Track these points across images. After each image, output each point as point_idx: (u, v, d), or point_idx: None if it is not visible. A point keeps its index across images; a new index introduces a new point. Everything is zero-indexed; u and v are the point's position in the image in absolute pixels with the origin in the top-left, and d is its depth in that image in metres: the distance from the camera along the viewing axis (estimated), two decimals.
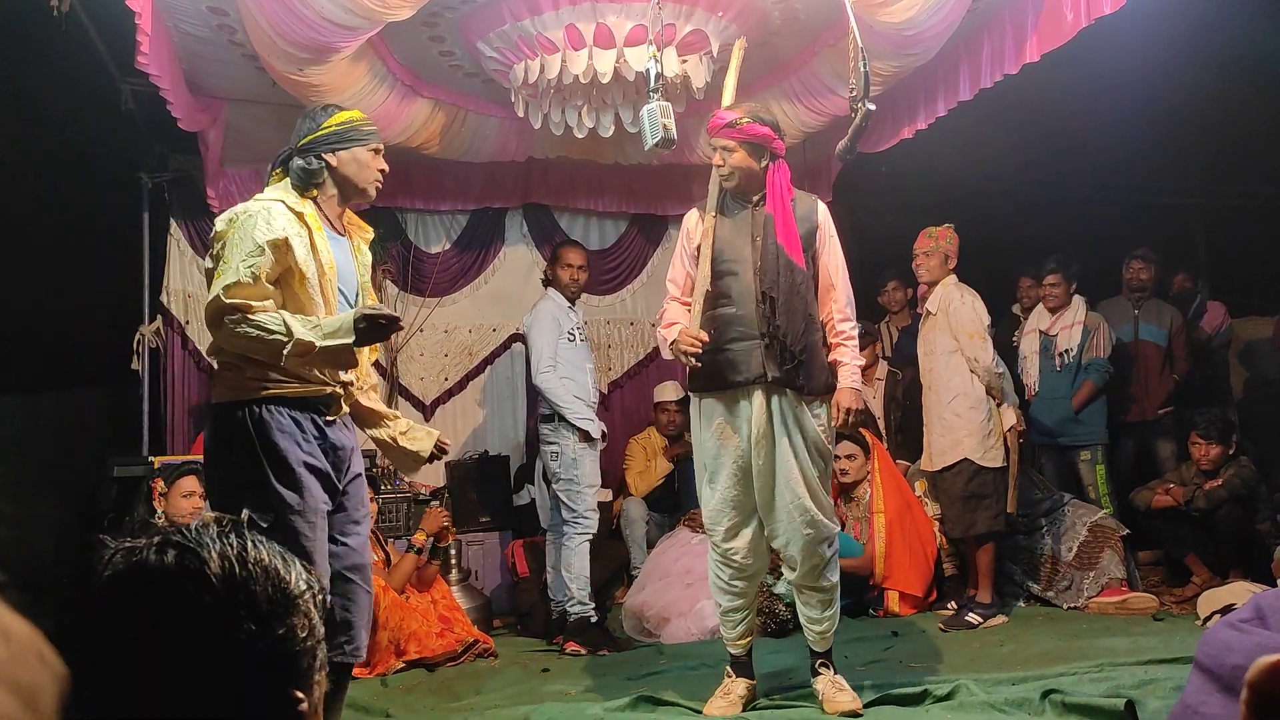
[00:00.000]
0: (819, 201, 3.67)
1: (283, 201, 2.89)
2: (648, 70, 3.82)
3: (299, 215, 2.89)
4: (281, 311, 2.77)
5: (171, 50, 4.42)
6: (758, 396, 3.46)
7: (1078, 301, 5.97)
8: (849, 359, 3.60)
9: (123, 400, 6.17)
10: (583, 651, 4.76)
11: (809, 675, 3.61)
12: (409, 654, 4.50)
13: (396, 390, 6.52)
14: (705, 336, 3.40)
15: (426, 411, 6.61)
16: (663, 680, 4.03)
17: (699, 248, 3.59)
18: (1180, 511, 5.30)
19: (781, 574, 4.97)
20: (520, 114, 4.82)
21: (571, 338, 5.21)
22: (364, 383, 3.13)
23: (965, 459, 4.90)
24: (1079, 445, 5.90)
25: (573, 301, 5.32)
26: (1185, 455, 5.63)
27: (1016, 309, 6.56)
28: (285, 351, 2.70)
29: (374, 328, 2.76)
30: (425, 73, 5.11)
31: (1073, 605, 5.12)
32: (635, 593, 5.35)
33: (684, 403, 6.61)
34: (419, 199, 6.52)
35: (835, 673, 3.57)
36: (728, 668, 3.71)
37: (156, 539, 0.95)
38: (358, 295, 3.07)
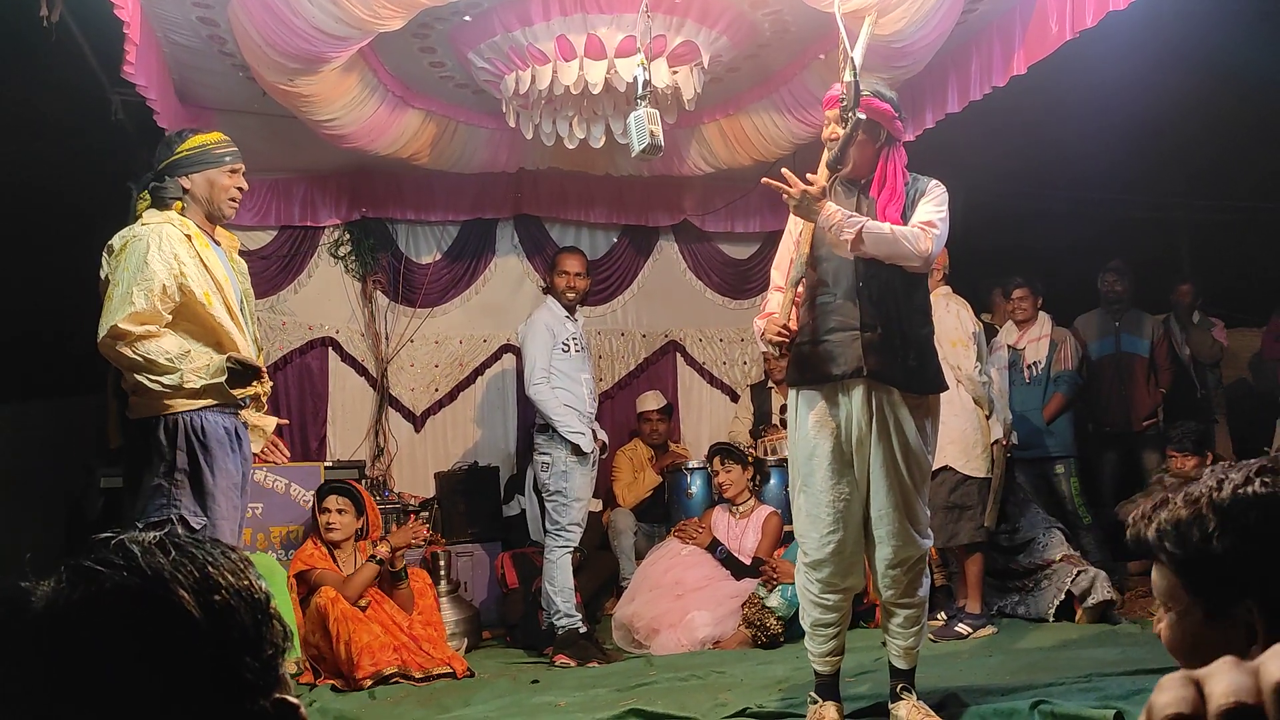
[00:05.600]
0: (933, 180, 3.34)
1: (171, 224, 3.07)
2: (635, 78, 3.81)
3: (188, 237, 3.08)
4: (170, 340, 2.98)
5: (161, 61, 4.42)
6: (858, 393, 3.17)
7: (1043, 316, 6.08)
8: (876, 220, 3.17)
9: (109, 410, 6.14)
10: (572, 663, 4.74)
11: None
12: (362, 668, 4.34)
13: (386, 401, 6.52)
14: (793, 326, 3.18)
15: (416, 422, 6.60)
16: (653, 692, 4.01)
17: (802, 233, 3.29)
18: None
19: (774, 586, 5.00)
20: (511, 125, 4.82)
21: (566, 348, 5.12)
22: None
23: (948, 467, 4.87)
24: (1051, 458, 5.97)
25: (571, 310, 5.24)
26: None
27: (986, 317, 6.60)
28: (172, 383, 2.94)
29: (236, 375, 3.01)
30: (416, 84, 5.12)
31: (1037, 615, 5.10)
32: (624, 604, 5.34)
33: (666, 411, 6.60)
34: (410, 210, 6.53)
35: (918, 698, 3.30)
36: (811, 693, 3.37)
37: (120, 561, 0.93)
38: (241, 302, 3.26)
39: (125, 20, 3.58)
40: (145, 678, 0.88)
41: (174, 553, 0.94)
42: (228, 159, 3.23)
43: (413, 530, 4.89)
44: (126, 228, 3.11)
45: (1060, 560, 5.17)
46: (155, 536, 0.96)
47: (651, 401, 6.56)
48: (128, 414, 3.12)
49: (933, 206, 3.26)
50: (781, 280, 3.37)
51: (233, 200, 3.24)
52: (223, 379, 2.98)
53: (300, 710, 0.97)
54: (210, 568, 0.95)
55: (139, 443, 3.06)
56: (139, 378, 2.98)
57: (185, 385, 2.96)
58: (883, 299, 3.21)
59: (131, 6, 3.61)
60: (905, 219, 3.23)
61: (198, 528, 2.91)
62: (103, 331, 2.96)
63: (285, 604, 4.43)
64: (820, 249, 3.27)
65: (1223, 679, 0.58)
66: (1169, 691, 0.59)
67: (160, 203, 3.15)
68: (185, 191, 3.17)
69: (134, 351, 2.95)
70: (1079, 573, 5.06)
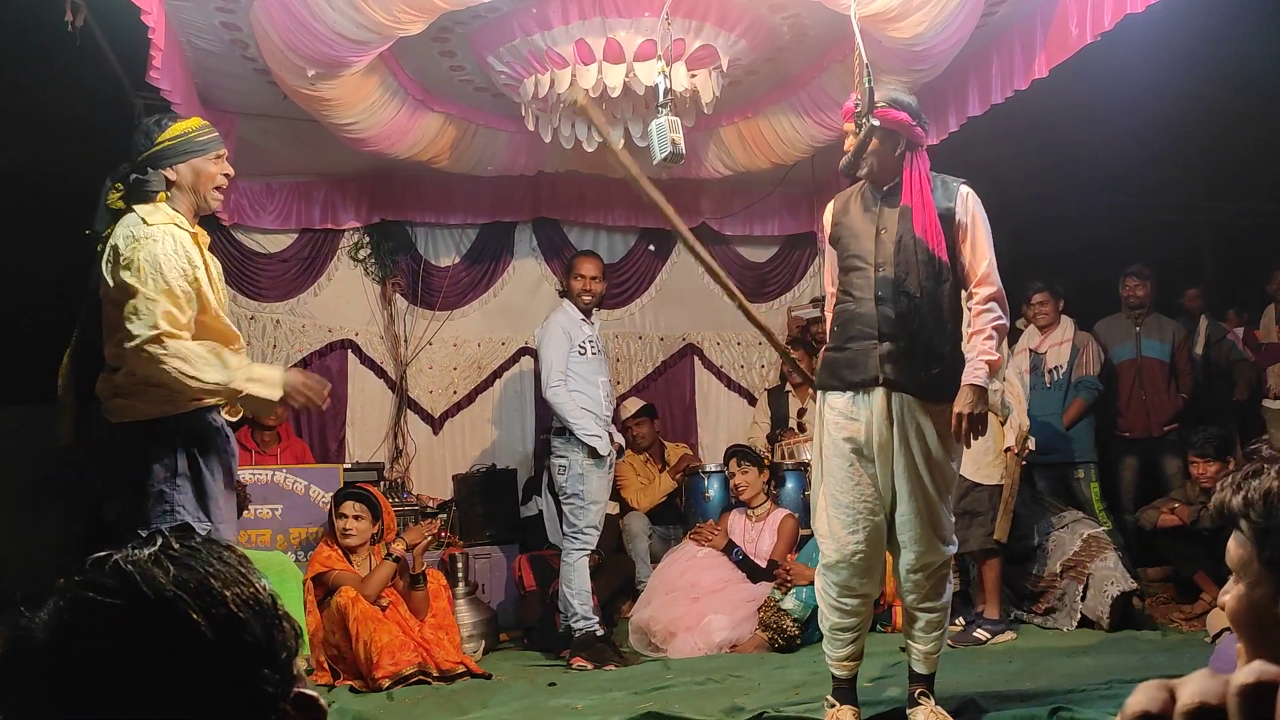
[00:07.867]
0: (962, 186, 3.30)
1: (176, 224, 2.90)
2: (657, 85, 3.81)
3: (192, 237, 2.94)
4: (207, 348, 2.84)
5: (184, 64, 4.45)
6: (878, 400, 3.18)
7: (1066, 320, 6.04)
8: (976, 352, 3.19)
9: None
10: (589, 666, 4.75)
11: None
12: (381, 667, 4.35)
13: (405, 403, 6.55)
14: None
15: (435, 425, 6.62)
16: (670, 695, 4.01)
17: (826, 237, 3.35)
18: (1187, 529, 5.28)
19: (789, 589, 4.99)
20: (530, 128, 4.84)
21: (583, 351, 5.13)
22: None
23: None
24: (1071, 463, 5.92)
25: (587, 313, 5.24)
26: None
27: (1020, 323, 6.56)
28: (222, 378, 2.81)
29: (302, 391, 2.90)
30: (436, 87, 5.14)
31: (1065, 627, 5.01)
32: (641, 607, 5.33)
33: (645, 413, 6.47)
34: (429, 213, 6.56)
35: (936, 703, 3.29)
36: (828, 696, 3.37)
37: (115, 584, 0.87)
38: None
39: (151, 26, 3.61)
40: (165, 705, 0.84)
41: (173, 569, 0.88)
42: (212, 145, 3.02)
43: (427, 527, 4.92)
44: (125, 228, 2.87)
45: (1063, 574, 5.11)
46: (150, 552, 0.89)
47: (629, 407, 6.47)
48: (108, 416, 2.91)
49: (985, 242, 3.27)
50: (832, 287, 3.45)
51: (219, 189, 3.05)
52: (276, 395, 2.85)
53: (319, 701, 0.94)
54: (212, 579, 0.89)
55: (128, 447, 2.87)
56: (177, 375, 2.77)
57: (237, 377, 2.83)
58: (904, 309, 3.19)
59: (157, 12, 3.65)
60: (948, 235, 3.22)
61: (203, 534, 2.82)
62: (142, 337, 2.76)
63: (294, 602, 4.43)
64: (846, 258, 3.31)
65: (1193, 684, 0.60)
66: (1142, 693, 0.62)
67: (142, 196, 2.92)
68: (170, 184, 2.94)
69: (173, 353, 2.77)
70: (1091, 591, 5.00)
